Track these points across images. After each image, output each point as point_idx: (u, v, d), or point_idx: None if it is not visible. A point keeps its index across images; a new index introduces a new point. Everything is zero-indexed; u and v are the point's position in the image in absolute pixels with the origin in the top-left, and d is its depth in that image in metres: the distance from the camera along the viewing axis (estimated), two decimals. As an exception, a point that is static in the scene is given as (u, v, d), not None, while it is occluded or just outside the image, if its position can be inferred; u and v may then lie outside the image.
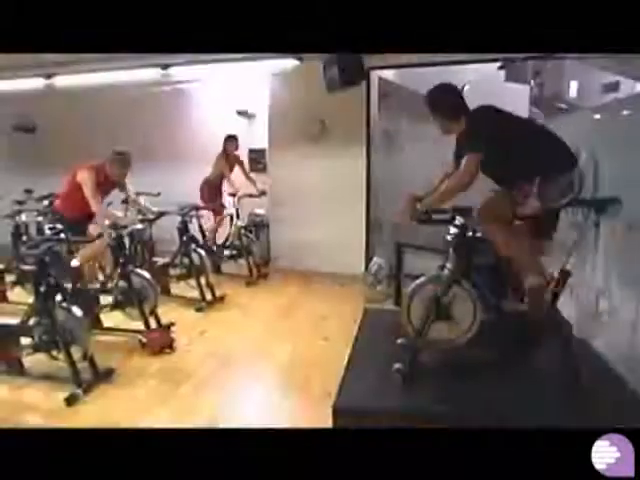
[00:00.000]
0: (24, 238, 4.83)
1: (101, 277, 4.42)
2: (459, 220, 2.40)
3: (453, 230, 2.45)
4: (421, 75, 5.57)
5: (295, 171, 5.82)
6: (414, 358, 2.44)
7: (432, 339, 2.49)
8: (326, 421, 2.20)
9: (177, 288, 4.77)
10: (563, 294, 2.38)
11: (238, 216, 5.64)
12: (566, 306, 2.54)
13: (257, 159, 6.49)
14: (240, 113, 6.48)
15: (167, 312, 4.17)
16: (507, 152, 2.30)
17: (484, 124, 2.35)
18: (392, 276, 4.47)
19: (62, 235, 3.57)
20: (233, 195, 5.60)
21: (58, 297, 3.05)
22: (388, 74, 5.88)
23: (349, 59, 4.47)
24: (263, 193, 5.79)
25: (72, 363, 2.89)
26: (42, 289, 2.94)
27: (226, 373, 3.22)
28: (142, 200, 4.40)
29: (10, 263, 4.65)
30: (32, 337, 2.99)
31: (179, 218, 4.70)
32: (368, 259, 5.40)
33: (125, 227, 3.76)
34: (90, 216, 3.85)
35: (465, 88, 6.61)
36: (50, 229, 3.74)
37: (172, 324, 3.92)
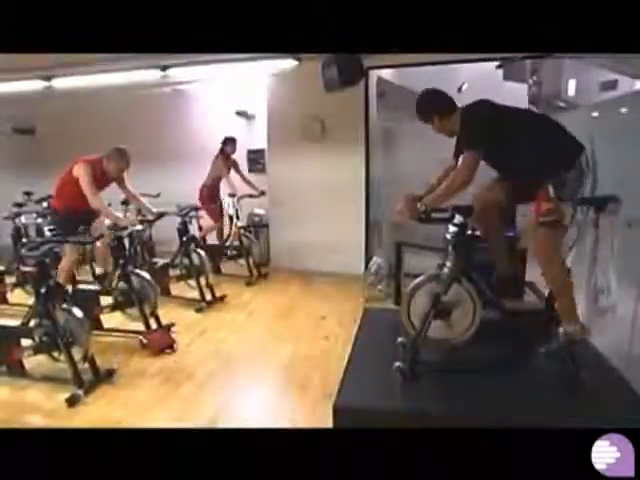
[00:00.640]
0: (24, 240, 4.82)
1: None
2: (458, 219, 2.40)
3: (452, 229, 2.45)
4: (420, 74, 5.59)
5: (294, 171, 5.83)
6: (414, 357, 2.44)
7: (432, 338, 2.50)
8: (326, 420, 2.21)
9: (177, 289, 4.78)
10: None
11: (238, 216, 5.64)
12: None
13: (256, 159, 6.51)
14: (239, 114, 6.49)
15: (167, 313, 4.18)
16: (509, 145, 2.30)
17: (479, 120, 2.34)
18: (392, 275, 4.48)
19: (61, 236, 3.59)
20: (233, 196, 5.60)
21: (58, 298, 3.06)
22: (386, 74, 5.89)
23: (347, 59, 4.47)
24: (262, 193, 5.80)
25: (73, 364, 2.90)
26: (42, 290, 2.94)
27: (226, 373, 3.22)
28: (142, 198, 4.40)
29: (10, 265, 4.66)
30: (33, 339, 3.00)
31: (179, 219, 4.71)
32: (368, 258, 5.41)
33: (125, 228, 3.77)
34: (84, 211, 3.82)
35: (463, 87, 6.64)
36: (50, 230, 3.75)
37: (172, 325, 3.93)
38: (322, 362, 3.32)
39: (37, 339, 2.98)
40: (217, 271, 5.49)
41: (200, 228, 5.65)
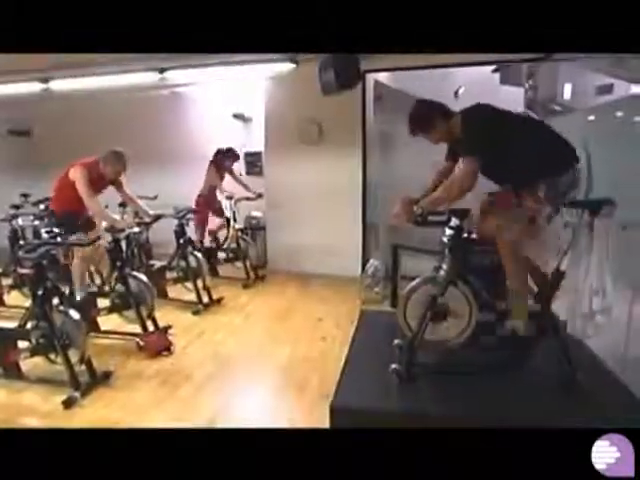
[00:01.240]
0: (21, 242, 4.81)
1: (98, 281, 4.45)
2: (454, 222, 2.41)
3: (449, 232, 2.47)
4: (417, 78, 5.62)
5: (291, 174, 5.84)
6: (411, 359, 2.45)
7: (428, 340, 2.51)
8: (324, 421, 2.22)
9: (174, 291, 4.78)
10: (558, 295, 2.41)
11: (235, 219, 5.64)
12: (561, 307, 2.57)
13: (253, 162, 6.52)
14: (236, 116, 6.50)
15: (164, 315, 4.19)
16: (505, 151, 2.28)
17: (479, 125, 2.32)
18: (388, 278, 4.49)
19: (59, 239, 3.58)
20: (230, 198, 5.60)
21: (55, 300, 3.06)
22: (383, 77, 5.92)
23: (345, 62, 4.49)
24: (260, 196, 5.81)
25: (70, 366, 2.90)
26: (40, 292, 2.94)
27: (224, 375, 3.23)
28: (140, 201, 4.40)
29: (7, 267, 4.65)
30: (30, 341, 2.99)
31: (176, 221, 4.71)
32: (365, 261, 5.42)
33: (122, 230, 3.77)
34: (81, 214, 3.82)
35: (460, 91, 6.67)
36: (47, 232, 3.74)
37: (169, 327, 3.94)
38: (319, 364, 3.33)
39: (34, 341, 2.97)
40: (214, 274, 5.48)
41: (200, 233, 5.67)
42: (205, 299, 4.68)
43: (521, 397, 2.29)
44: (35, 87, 5.51)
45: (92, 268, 4.77)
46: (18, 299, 4.32)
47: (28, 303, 3.14)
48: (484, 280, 2.51)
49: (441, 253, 2.53)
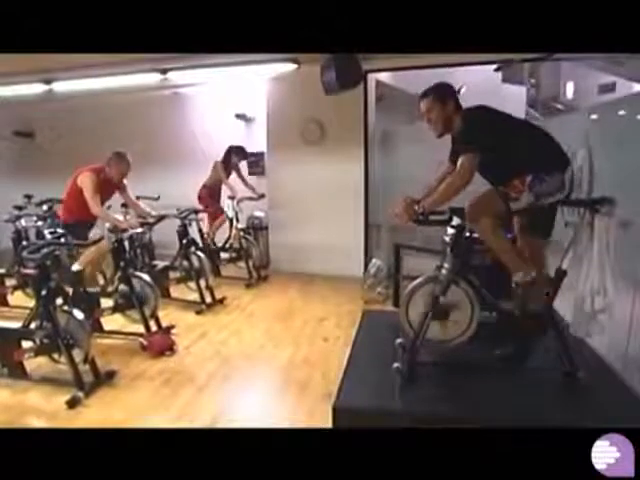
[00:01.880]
0: (24, 243, 4.84)
1: (101, 281, 4.47)
2: (456, 221, 2.42)
3: (450, 231, 2.48)
4: (418, 77, 5.62)
5: (294, 174, 5.86)
6: (413, 358, 2.46)
7: (430, 339, 2.52)
8: (326, 421, 2.23)
9: (177, 291, 4.79)
10: (560, 293, 2.41)
11: (237, 219, 5.65)
12: (563, 305, 2.57)
13: (256, 162, 6.52)
14: (239, 117, 6.51)
15: (167, 315, 4.21)
16: (501, 153, 2.33)
17: (479, 124, 2.37)
18: (391, 277, 4.50)
19: (62, 239, 3.61)
20: (232, 198, 5.62)
21: (59, 301, 3.07)
22: (385, 77, 5.93)
23: (346, 62, 4.50)
24: (262, 196, 5.82)
25: (73, 366, 2.91)
26: (43, 293, 2.95)
27: (226, 375, 3.24)
28: (141, 204, 4.43)
29: (11, 267, 4.67)
30: (34, 340, 3.01)
31: (179, 221, 4.73)
32: (367, 261, 5.43)
33: (125, 231, 3.79)
34: (92, 220, 3.87)
35: (462, 90, 6.66)
36: (51, 233, 3.77)
37: (172, 327, 3.95)
38: (321, 364, 3.33)
39: (38, 341, 2.99)
40: (217, 274, 5.50)
41: (200, 231, 5.67)
42: (208, 299, 4.69)
43: (523, 396, 2.29)
44: (38, 88, 5.53)
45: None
46: (22, 300, 4.33)
47: (31, 303, 3.15)
48: (486, 279, 2.52)
49: (443, 252, 2.54)
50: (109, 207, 4.46)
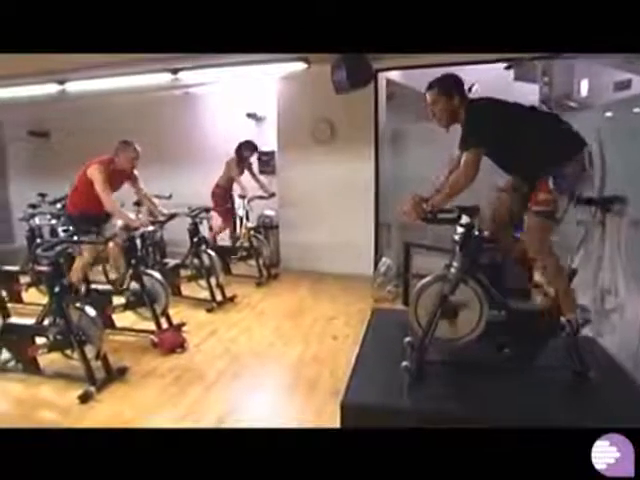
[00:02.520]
0: (38, 240, 4.92)
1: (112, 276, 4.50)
2: (465, 219, 2.41)
3: (459, 229, 2.47)
4: (429, 76, 5.58)
5: (304, 173, 5.87)
6: (421, 356, 2.45)
7: (439, 337, 2.51)
8: (334, 418, 2.23)
9: (188, 289, 4.84)
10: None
11: (248, 218, 5.68)
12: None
13: (266, 161, 6.55)
14: (249, 116, 6.54)
15: (178, 312, 4.25)
16: (512, 141, 2.31)
17: (483, 118, 2.35)
18: (401, 276, 4.49)
19: (75, 237, 3.65)
20: (243, 197, 5.64)
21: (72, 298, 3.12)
22: (396, 75, 5.90)
23: (356, 61, 4.51)
24: (273, 195, 5.84)
25: (86, 362, 2.96)
26: (56, 290, 3.00)
27: (236, 372, 3.26)
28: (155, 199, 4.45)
29: (25, 265, 4.74)
30: (47, 337, 3.06)
31: (190, 220, 4.77)
32: (377, 259, 5.43)
33: (137, 229, 3.83)
34: (100, 213, 3.88)
35: (473, 88, 6.62)
36: (64, 231, 3.82)
37: (183, 324, 3.99)
38: (330, 362, 3.35)
39: (51, 337, 3.04)
40: (227, 272, 5.53)
41: (210, 228, 5.71)
42: (218, 297, 4.72)
43: (532, 395, 2.28)
44: (52, 89, 5.60)
45: (108, 266, 4.86)
46: (36, 297, 4.40)
47: (45, 300, 3.20)
48: (495, 278, 2.51)
49: (452, 251, 2.53)
50: (122, 205, 4.51)
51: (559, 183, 2.24)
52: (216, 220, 5.86)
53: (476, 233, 2.44)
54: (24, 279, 4.69)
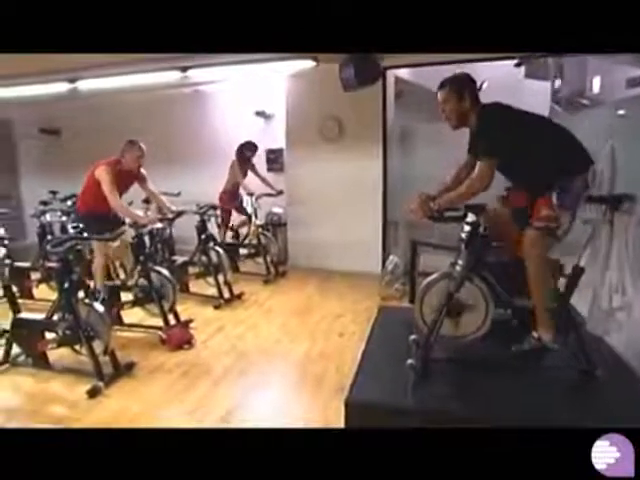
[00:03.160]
0: (49, 237, 4.98)
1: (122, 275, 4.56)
2: (471, 217, 2.40)
3: (466, 228, 2.46)
4: (438, 73, 5.56)
5: (312, 170, 5.88)
6: (426, 354, 2.45)
7: (444, 335, 2.50)
8: (339, 415, 2.24)
9: (196, 286, 4.87)
10: (577, 291, 2.37)
11: (256, 215, 5.70)
12: (580, 302, 2.53)
13: (275, 159, 6.57)
14: (258, 114, 6.56)
15: (186, 309, 4.28)
16: (522, 152, 2.29)
17: (498, 125, 2.31)
18: (407, 274, 4.48)
19: (85, 234, 3.69)
20: (251, 195, 5.66)
21: (81, 294, 3.16)
22: (404, 73, 5.89)
23: (364, 59, 4.50)
24: (281, 192, 5.85)
25: (94, 357, 2.99)
26: (65, 286, 3.04)
27: (243, 368, 3.28)
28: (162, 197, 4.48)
29: (36, 261, 4.80)
30: (56, 332, 3.10)
31: (198, 217, 4.80)
32: (385, 257, 5.42)
33: (145, 226, 3.86)
34: (109, 212, 3.92)
35: (484, 86, 6.58)
36: (74, 228, 3.86)
37: (191, 321, 4.01)
38: (336, 359, 3.36)
39: (60, 333, 3.08)
40: (235, 269, 5.56)
41: (219, 226, 5.74)
42: (226, 294, 4.75)
43: (539, 394, 2.26)
44: (62, 87, 5.65)
45: (117, 263, 4.90)
46: (46, 293, 4.46)
47: (55, 296, 3.24)
48: (501, 276, 2.49)
49: (458, 249, 2.52)
50: (130, 203, 4.55)
51: (563, 199, 2.21)
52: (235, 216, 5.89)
53: (482, 231, 2.43)
54: (35, 275, 4.75)
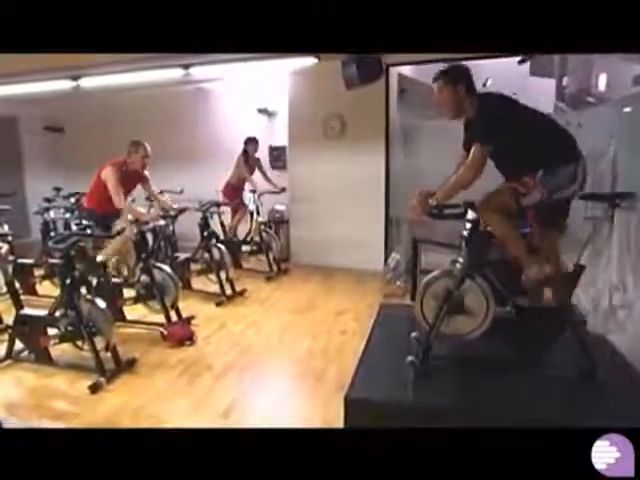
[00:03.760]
0: (52, 234, 5.00)
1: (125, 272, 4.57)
2: (471, 215, 2.40)
3: (467, 225, 2.45)
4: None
5: (315, 168, 5.88)
6: (427, 352, 2.45)
7: (445, 333, 2.50)
8: (339, 412, 2.24)
9: (198, 282, 4.88)
10: (578, 288, 2.37)
11: (258, 212, 5.70)
12: (581, 300, 2.52)
13: (277, 156, 6.57)
14: (261, 111, 6.56)
15: (188, 306, 4.29)
16: (514, 143, 2.28)
17: (494, 114, 2.30)
18: (409, 271, 4.48)
19: (88, 230, 3.71)
20: (254, 192, 5.67)
21: (83, 290, 3.17)
22: (407, 70, 5.87)
23: (367, 56, 4.49)
24: (283, 190, 5.85)
25: (96, 353, 3.01)
26: (68, 282, 3.06)
27: (244, 365, 3.29)
28: (164, 197, 4.51)
29: (39, 258, 4.83)
30: (58, 328, 3.12)
31: (200, 214, 4.81)
32: (387, 255, 5.42)
33: (147, 223, 3.87)
34: (116, 213, 3.96)
35: (488, 83, 6.56)
36: (76, 225, 3.88)
37: (192, 317, 4.03)
38: (338, 356, 3.36)
39: (62, 328, 3.10)
40: (237, 266, 5.57)
41: (221, 224, 5.74)
42: (228, 291, 4.76)
43: (540, 392, 2.26)
44: (66, 85, 5.66)
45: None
46: (49, 289, 4.48)
47: (58, 293, 3.26)
48: (502, 274, 2.49)
49: (459, 246, 2.52)
50: (133, 200, 4.57)
51: (544, 179, 2.24)
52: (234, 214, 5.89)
53: (483, 229, 2.43)
54: (38, 272, 4.77)
